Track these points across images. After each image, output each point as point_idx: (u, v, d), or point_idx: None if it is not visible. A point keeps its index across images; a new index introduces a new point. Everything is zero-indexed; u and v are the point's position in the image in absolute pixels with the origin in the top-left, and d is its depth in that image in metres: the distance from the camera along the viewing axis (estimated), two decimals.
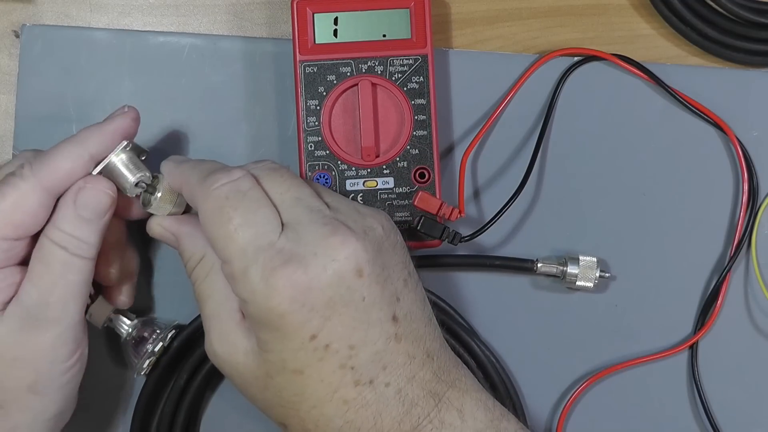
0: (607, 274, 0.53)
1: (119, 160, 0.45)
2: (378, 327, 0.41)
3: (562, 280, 0.53)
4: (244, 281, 0.41)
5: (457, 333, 0.52)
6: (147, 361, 0.50)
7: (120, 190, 0.45)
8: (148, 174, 0.46)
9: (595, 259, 0.53)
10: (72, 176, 0.44)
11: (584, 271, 0.52)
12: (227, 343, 0.44)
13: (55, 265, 0.43)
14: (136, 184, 0.45)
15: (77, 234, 0.43)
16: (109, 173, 0.45)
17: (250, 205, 0.42)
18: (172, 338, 0.50)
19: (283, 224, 0.42)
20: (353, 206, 0.44)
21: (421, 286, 0.45)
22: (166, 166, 0.47)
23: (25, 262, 0.45)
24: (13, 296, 0.44)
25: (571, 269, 0.52)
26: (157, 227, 0.47)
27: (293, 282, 0.40)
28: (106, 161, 0.45)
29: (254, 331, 0.42)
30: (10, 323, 0.43)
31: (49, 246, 0.43)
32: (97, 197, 0.44)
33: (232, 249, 0.41)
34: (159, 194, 0.46)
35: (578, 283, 0.52)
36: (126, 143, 0.45)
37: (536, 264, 0.53)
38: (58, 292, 0.44)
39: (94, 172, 0.45)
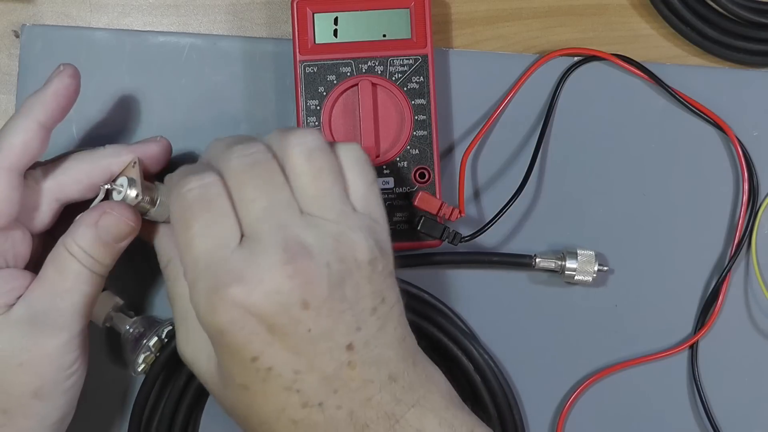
0: (605, 268, 0.53)
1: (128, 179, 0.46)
2: (327, 355, 0.40)
3: (560, 275, 0.53)
4: (192, 292, 0.41)
5: (456, 337, 0.52)
6: (143, 356, 0.49)
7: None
8: (147, 198, 0.46)
9: (593, 253, 0.53)
10: (28, 149, 0.44)
11: (583, 265, 0.52)
12: (192, 346, 0.44)
13: (69, 274, 0.44)
14: (136, 204, 0.46)
15: (93, 253, 0.44)
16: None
17: (211, 216, 0.40)
18: (169, 334, 0.50)
19: (243, 236, 0.40)
20: (335, 229, 0.41)
21: (399, 308, 0.43)
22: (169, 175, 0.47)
23: (19, 264, 0.45)
24: (15, 301, 0.44)
25: (570, 263, 0.52)
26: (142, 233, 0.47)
27: (234, 304, 0.39)
28: (120, 190, 0.45)
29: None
30: (17, 327, 0.43)
31: (65, 255, 0.44)
32: (119, 226, 0.44)
33: (187, 258, 0.41)
34: (157, 204, 0.46)
35: (577, 277, 0.52)
36: (134, 162, 0.46)
37: (534, 259, 0.53)
38: (70, 299, 0.44)
39: (118, 199, 0.45)
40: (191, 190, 0.41)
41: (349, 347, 0.41)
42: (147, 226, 0.47)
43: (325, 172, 0.42)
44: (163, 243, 0.47)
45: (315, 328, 0.40)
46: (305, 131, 0.42)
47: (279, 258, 0.39)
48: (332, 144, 0.43)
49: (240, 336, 0.39)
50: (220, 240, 0.40)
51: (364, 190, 0.43)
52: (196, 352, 0.44)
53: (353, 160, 0.43)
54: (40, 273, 0.44)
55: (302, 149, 0.42)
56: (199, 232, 0.40)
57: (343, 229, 0.41)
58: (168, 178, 0.47)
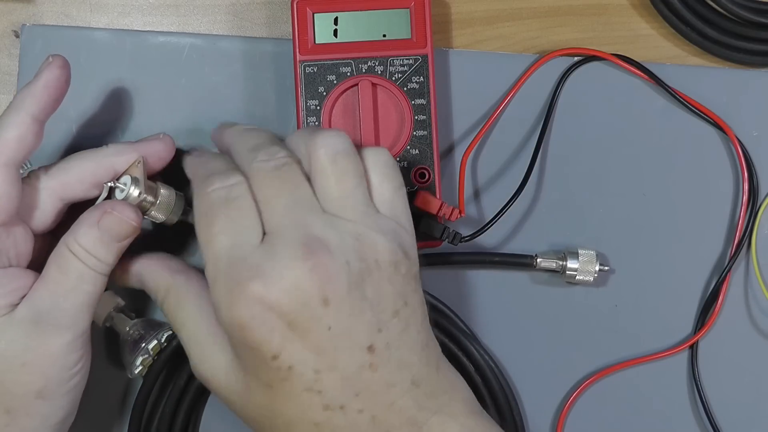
0: (606, 268, 0.53)
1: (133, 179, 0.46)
2: (347, 355, 0.40)
3: (561, 275, 0.53)
4: (213, 288, 0.41)
5: (457, 338, 0.52)
6: (140, 359, 0.49)
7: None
8: (150, 199, 0.46)
9: (594, 253, 0.53)
10: (23, 142, 0.44)
11: (584, 265, 0.52)
12: (208, 365, 0.44)
13: (71, 273, 0.44)
14: (139, 203, 0.46)
15: (95, 253, 0.44)
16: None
17: (233, 214, 0.41)
18: (168, 338, 0.50)
19: (265, 233, 0.41)
20: (355, 228, 0.41)
21: (422, 313, 0.43)
22: (187, 159, 0.47)
23: (21, 263, 0.45)
24: (19, 300, 0.44)
25: (571, 263, 0.52)
26: (121, 278, 0.47)
27: (254, 299, 0.39)
28: (125, 189, 0.45)
29: (228, 338, 0.42)
30: (20, 327, 0.43)
31: (68, 255, 0.44)
32: (121, 225, 0.44)
33: (209, 254, 0.41)
34: (157, 202, 0.46)
35: (578, 277, 0.52)
36: (138, 161, 0.46)
37: (536, 259, 0.53)
38: (73, 299, 0.44)
39: (121, 197, 0.45)
40: (216, 190, 0.42)
41: (370, 348, 0.41)
42: (133, 267, 0.47)
43: (349, 174, 0.42)
44: (155, 275, 0.47)
45: (335, 325, 0.40)
46: (331, 133, 0.43)
47: (298, 253, 0.40)
48: (360, 148, 0.44)
49: (260, 332, 0.40)
50: (241, 237, 0.41)
51: (390, 195, 0.43)
52: (214, 367, 0.43)
53: (380, 165, 0.44)
54: (43, 272, 0.44)
55: (327, 151, 0.42)
56: (221, 230, 0.41)
57: (364, 230, 0.41)
58: (189, 161, 0.47)
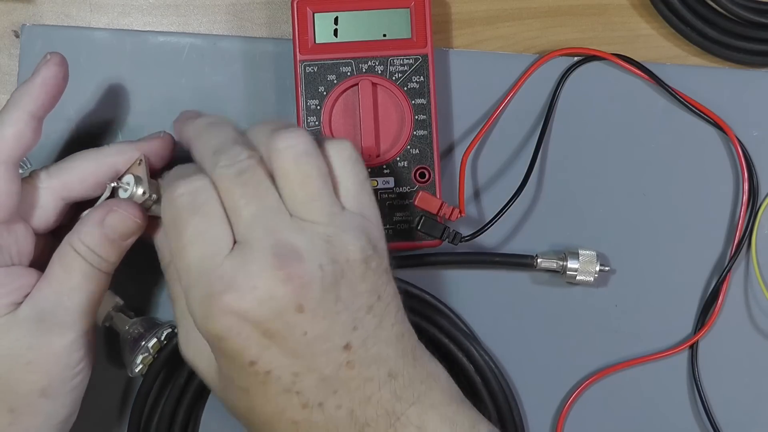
0: (606, 268, 0.53)
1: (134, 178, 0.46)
2: (324, 357, 0.40)
3: (562, 275, 0.53)
4: (188, 298, 0.41)
5: (457, 338, 0.52)
6: (140, 357, 0.49)
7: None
8: (154, 196, 0.46)
9: (594, 253, 0.53)
10: (21, 140, 0.44)
11: (584, 265, 0.52)
12: (193, 347, 0.44)
13: (75, 272, 0.44)
14: (143, 202, 0.46)
15: (99, 251, 0.44)
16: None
17: (201, 223, 0.40)
18: (168, 336, 0.50)
19: (235, 242, 0.40)
20: (325, 231, 0.41)
21: (395, 304, 0.43)
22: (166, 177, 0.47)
23: (23, 261, 0.45)
24: (22, 299, 0.44)
25: (571, 264, 0.52)
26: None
27: (228, 311, 0.39)
28: (126, 184, 0.45)
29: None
30: (24, 326, 0.43)
31: (71, 253, 0.44)
32: (125, 223, 0.44)
33: (181, 265, 0.41)
34: (159, 200, 0.46)
35: (578, 277, 0.52)
36: (140, 160, 0.46)
37: (536, 259, 0.53)
38: (77, 298, 0.44)
39: (124, 197, 0.45)
40: (181, 195, 0.41)
41: (347, 347, 0.40)
42: (149, 224, 0.47)
43: (313, 177, 0.41)
44: (165, 243, 0.47)
45: (311, 330, 0.40)
46: (292, 133, 0.42)
47: (271, 263, 0.39)
48: (322, 141, 0.43)
49: (237, 342, 0.39)
50: (211, 247, 0.40)
51: (355, 190, 0.43)
52: (197, 353, 0.44)
53: (344, 160, 0.43)
54: (47, 271, 0.44)
55: (289, 154, 0.41)
56: (191, 239, 0.40)
57: (334, 231, 0.41)
58: (165, 176, 0.47)
